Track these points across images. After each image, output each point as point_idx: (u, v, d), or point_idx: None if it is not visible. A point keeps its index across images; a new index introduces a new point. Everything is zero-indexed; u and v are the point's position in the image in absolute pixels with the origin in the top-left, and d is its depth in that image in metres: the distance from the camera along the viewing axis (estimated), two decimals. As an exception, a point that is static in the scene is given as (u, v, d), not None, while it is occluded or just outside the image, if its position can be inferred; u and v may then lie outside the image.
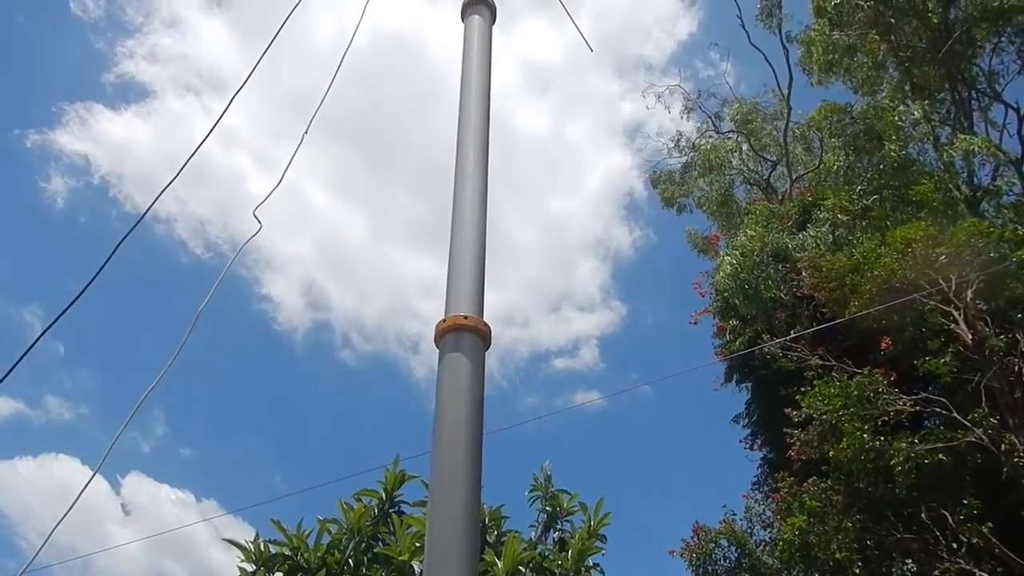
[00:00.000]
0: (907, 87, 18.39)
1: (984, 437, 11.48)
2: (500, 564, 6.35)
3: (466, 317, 3.54)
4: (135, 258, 37.83)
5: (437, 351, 3.60)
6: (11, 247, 36.08)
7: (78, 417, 35.00)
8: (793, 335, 14.22)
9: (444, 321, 3.55)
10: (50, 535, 2.80)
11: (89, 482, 3.24)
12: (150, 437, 38.56)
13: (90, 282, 2.86)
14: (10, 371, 2.76)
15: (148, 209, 3.16)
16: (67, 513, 3.04)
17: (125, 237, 3.02)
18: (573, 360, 41.81)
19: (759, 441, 17.74)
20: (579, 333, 43.32)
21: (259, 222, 3.49)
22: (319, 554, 6.76)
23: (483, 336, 3.58)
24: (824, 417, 12.37)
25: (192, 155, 3.20)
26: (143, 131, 38.45)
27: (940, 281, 12.68)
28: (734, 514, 15.40)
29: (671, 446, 39.40)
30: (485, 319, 3.69)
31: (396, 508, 7.44)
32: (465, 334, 3.49)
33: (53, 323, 2.87)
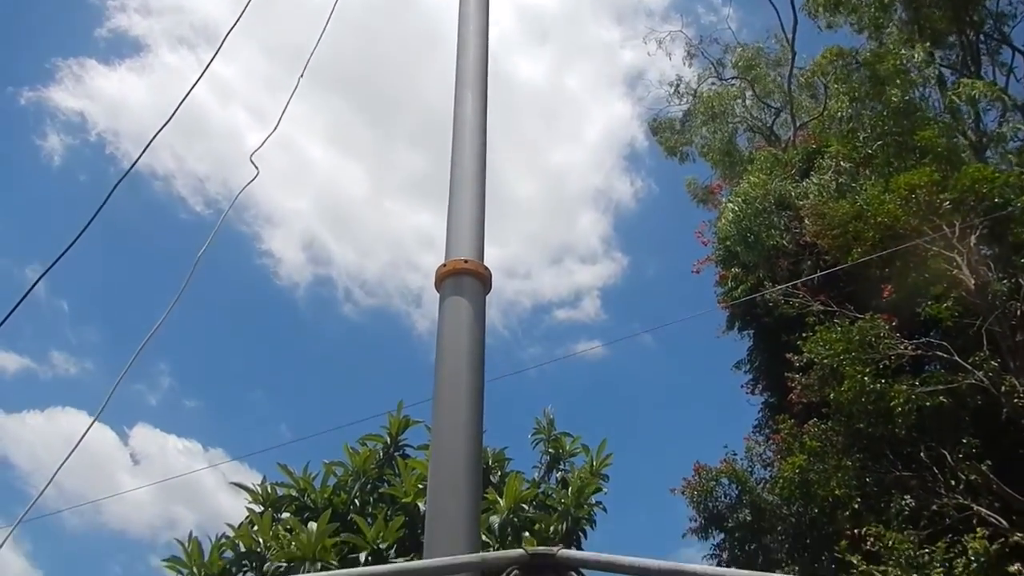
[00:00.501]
0: (914, 29, 18.05)
1: (984, 379, 11.58)
2: (503, 502, 6.49)
3: (466, 261, 3.56)
4: (135, 216, 37.78)
5: (438, 296, 3.63)
6: (10, 206, 35.99)
7: (83, 372, 35.33)
8: (798, 281, 14.21)
9: (444, 266, 3.57)
10: (52, 477, 2.87)
11: (90, 426, 3.31)
12: (156, 390, 39.00)
13: (84, 229, 2.88)
14: (6, 318, 2.79)
15: (140, 155, 3.16)
16: (69, 456, 3.11)
17: (119, 182, 3.03)
18: (575, 311, 41.95)
19: (760, 386, 17.90)
20: (581, 285, 43.42)
21: (256, 168, 3.49)
22: (325, 495, 6.90)
23: (483, 280, 3.60)
24: (825, 361, 12.46)
25: (183, 100, 3.19)
26: (138, 86, 37.94)
27: (944, 227, 12.65)
28: (735, 454, 15.67)
29: (673, 394, 39.76)
30: (485, 263, 3.70)
31: (400, 452, 7.56)
32: (465, 278, 3.52)
33: (48, 269, 2.90)
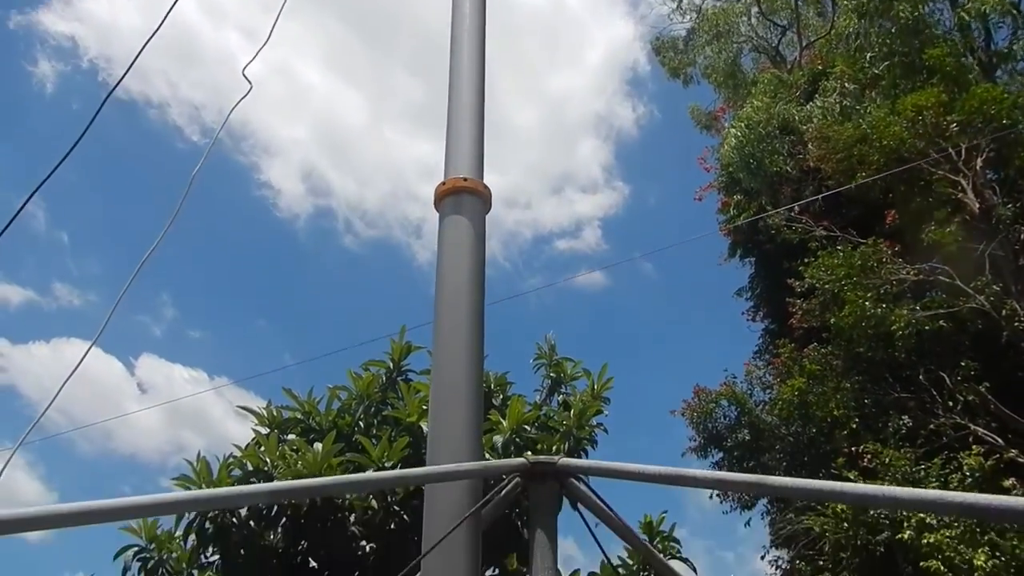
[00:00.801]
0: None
1: (986, 304, 11.61)
2: (506, 422, 6.58)
3: (465, 179, 3.51)
4: (132, 147, 37.40)
5: (438, 216, 3.59)
6: (4, 134, 35.59)
7: (87, 303, 35.60)
8: (799, 204, 14.09)
9: (443, 184, 3.52)
10: (54, 398, 2.89)
11: (88, 349, 3.32)
12: (160, 321, 39.33)
13: (72, 147, 2.83)
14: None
15: (128, 68, 3.08)
16: (68, 377, 3.13)
17: (107, 96, 2.96)
18: (576, 241, 41.92)
19: (761, 313, 17.99)
20: (581, 214, 43.24)
21: (249, 83, 3.42)
22: (330, 418, 7.00)
23: (483, 198, 3.55)
24: (827, 287, 12.48)
25: (169, 11, 3.09)
26: (128, 8, 37.07)
27: (950, 150, 12.49)
28: (735, 377, 15.87)
29: (673, 322, 40.03)
30: (485, 182, 3.66)
31: (403, 376, 7.64)
32: (465, 196, 3.48)
33: (38, 187, 2.85)
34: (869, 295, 12.07)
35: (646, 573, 7.48)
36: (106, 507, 1.94)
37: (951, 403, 11.58)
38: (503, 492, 3.03)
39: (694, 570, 7.53)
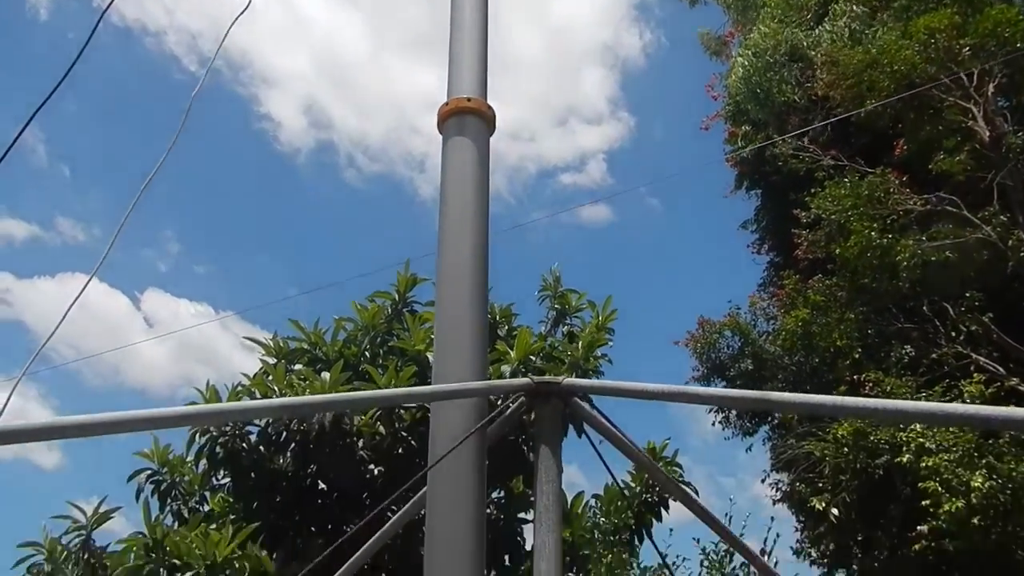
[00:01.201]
0: None
1: (993, 234, 11.54)
2: (513, 353, 6.63)
3: (469, 99, 3.44)
4: (130, 78, 36.81)
5: (441, 138, 3.53)
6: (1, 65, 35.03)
7: (91, 238, 35.59)
8: (808, 130, 13.85)
9: (446, 104, 3.45)
10: (56, 327, 2.89)
11: (89, 280, 3.32)
12: (165, 256, 39.45)
13: (66, 73, 2.77)
14: None
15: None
16: (70, 307, 3.13)
17: (100, 20, 2.89)
18: (580, 176, 41.55)
19: (767, 246, 17.94)
20: (586, 147, 42.74)
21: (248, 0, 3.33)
22: (336, 348, 7.06)
23: (487, 119, 3.49)
24: (833, 217, 12.40)
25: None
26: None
27: (962, 76, 12.23)
28: (738, 308, 15.92)
29: (678, 256, 39.99)
30: (489, 102, 3.59)
31: (409, 308, 7.68)
32: (468, 117, 3.41)
33: (34, 114, 2.80)
34: (875, 225, 12.00)
35: (649, 495, 7.65)
36: (121, 418, 1.96)
37: (954, 333, 11.62)
38: (508, 411, 3.07)
39: (696, 493, 7.66)
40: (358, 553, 2.54)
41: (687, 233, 40.80)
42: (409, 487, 2.72)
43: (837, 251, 12.37)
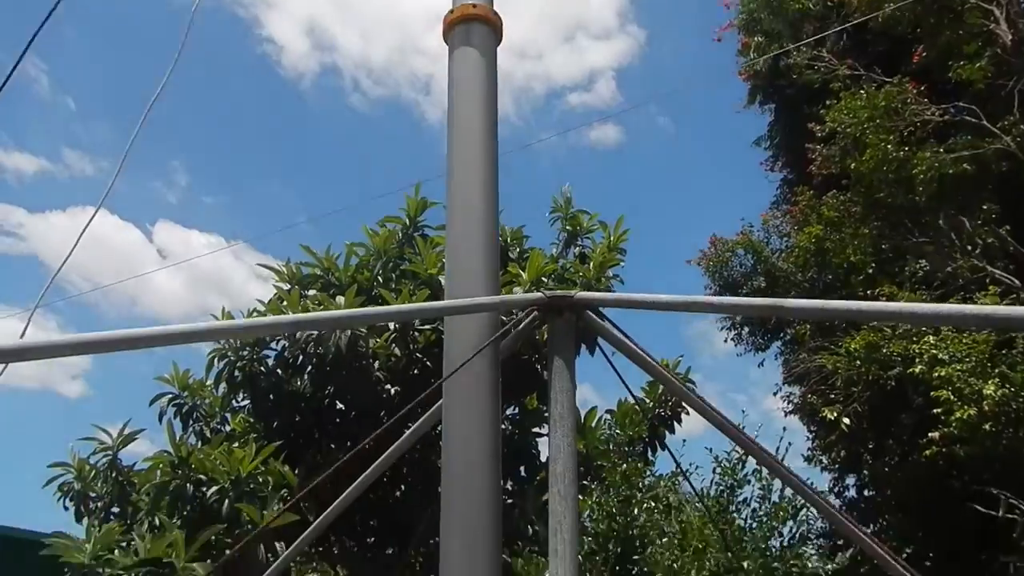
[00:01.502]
0: None
1: (1012, 144, 11.30)
2: (524, 275, 6.64)
3: (475, 6, 3.36)
4: (130, 10, 36.02)
5: (447, 48, 3.45)
6: (-2, -1, 34.32)
7: (99, 171, 35.55)
8: (822, 36, 13.41)
9: (452, 12, 3.36)
10: (68, 256, 2.91)
11: (96, 211, 3.32)
12: (174, 187, 39.39)
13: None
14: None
15: None
16: (79, 238, 3.15)
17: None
18: (589, 95, 40.78)
19: (780, 163, 17.68)
20: (595, 65, 41.78)
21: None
22: (349, 274, 7.08)
23: (495, 27, 3.41)
24: (848, 130, 12.14)
25: None
26: None
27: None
28: (751, 226, 15.82)
29: (690, 175, 39.55)
30: (495, 9, 3.49)
31: (420, 232, 7.66)
32: (475, 25, 3.33)
33: (29, 44, 2.74)
34: (892, 138, 11.75)
35: (661, 410, 7.77)
36: (139, 335, 1.98)
37: (969, 247, 11.51)
38: (521, 325, 3.08)
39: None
40: (377, 462, 2.59)
41: (699, 152, 40.23)
42: (425, 398, 2.76)
43: (852, 165, 12.16)
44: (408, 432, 2.77)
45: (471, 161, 3.16)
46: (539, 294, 2.74)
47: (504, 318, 3.17)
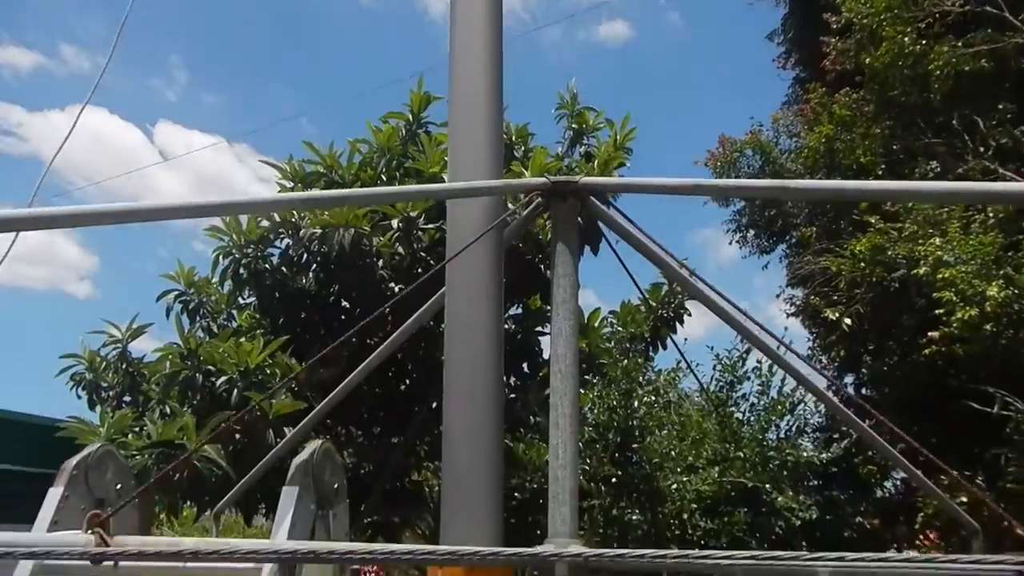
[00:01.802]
0: None
1: (1032, 38, 10.91)
2: (528, 173, 6.57)
3: None
4: None
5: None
6: None
7: (96, 67, 34.79)
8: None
9: None
10: (58, 150, 2.87)
11: (85, 104, 3.25)
12: (173, 85, 38.70)
13: None
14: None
15: None
16: (70, 133, 3.09)
17: None
18: (599, -12, 39.30)
19: (793, 59, 17.18)
20: (606, -43, 40.13)
21: None
22: (352, 171, 7.03)
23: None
24: (864, 21, 11.71)
25: None
26: None
27: None
28: (761, 125, 15.50)
29: (700, 73, 38.61)
30: None
31: (424, 128, 7.55)
32: (475, -101, 3.19)
33: None
34: (909, 30, 11.35)
35: (664, 311, 7.82)
36: (137, 208, 1.96)
37: (983, 148, 11.28)
38: (525, 212, 3.05)
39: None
40: (382, 347, 2.62)
41: (710, 47, 39.14)
42: (428, 286, 2.76)
43: (867, 60, 11.80)
44: (412, 318, 2.79)
45: (474, 45, 3.08)
46: (543, 179, 2.71)
47: (510, 197, 3.14)
